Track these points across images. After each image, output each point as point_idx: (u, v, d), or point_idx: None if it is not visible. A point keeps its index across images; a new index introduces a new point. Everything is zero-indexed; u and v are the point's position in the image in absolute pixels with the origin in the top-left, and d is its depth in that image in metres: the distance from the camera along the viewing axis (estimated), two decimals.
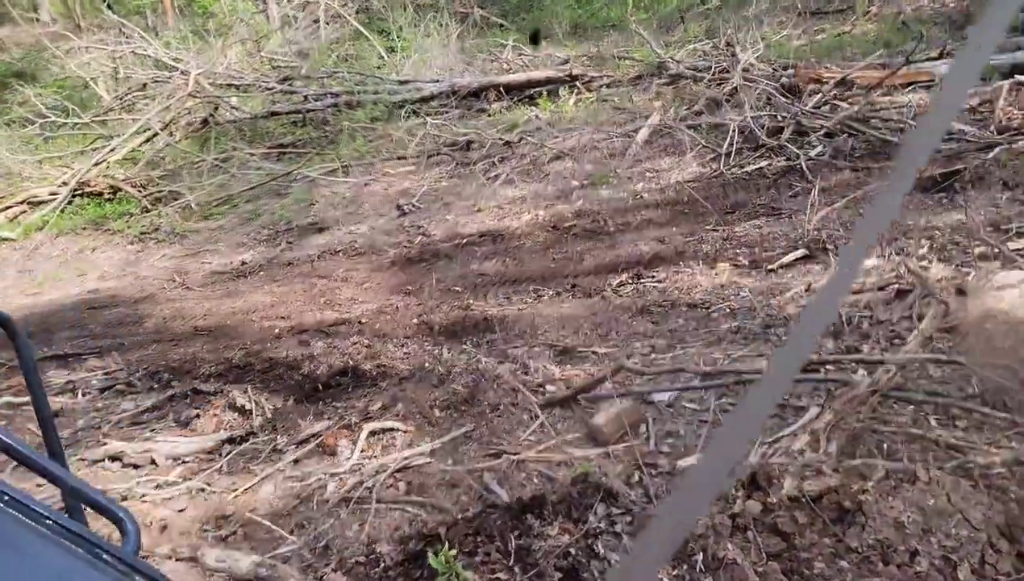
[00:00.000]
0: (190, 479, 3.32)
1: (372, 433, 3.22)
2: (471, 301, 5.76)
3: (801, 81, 8.06)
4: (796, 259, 5.02)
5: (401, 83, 12.23)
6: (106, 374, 5.57)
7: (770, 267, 4.97)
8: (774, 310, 4.15)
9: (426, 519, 2.59)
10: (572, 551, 2.34)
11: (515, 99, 11.44)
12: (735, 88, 8.41)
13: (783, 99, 7.67)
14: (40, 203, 10.65)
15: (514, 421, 3.23)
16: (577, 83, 11.45)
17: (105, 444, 3.89)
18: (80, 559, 0.78)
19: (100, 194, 10.78)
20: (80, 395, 5.18)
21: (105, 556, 0.79)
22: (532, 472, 2.82)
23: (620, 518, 2.49)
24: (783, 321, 3.97)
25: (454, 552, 2.27)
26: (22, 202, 10.65)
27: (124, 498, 3.24)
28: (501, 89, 11.27)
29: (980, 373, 2.94)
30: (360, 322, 5.71)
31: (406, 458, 3.01)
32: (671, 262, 5.59)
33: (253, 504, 2.98)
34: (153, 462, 3.58)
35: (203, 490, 3.20)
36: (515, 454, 2.89)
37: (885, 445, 2.65)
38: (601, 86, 11.41)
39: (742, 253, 5.42)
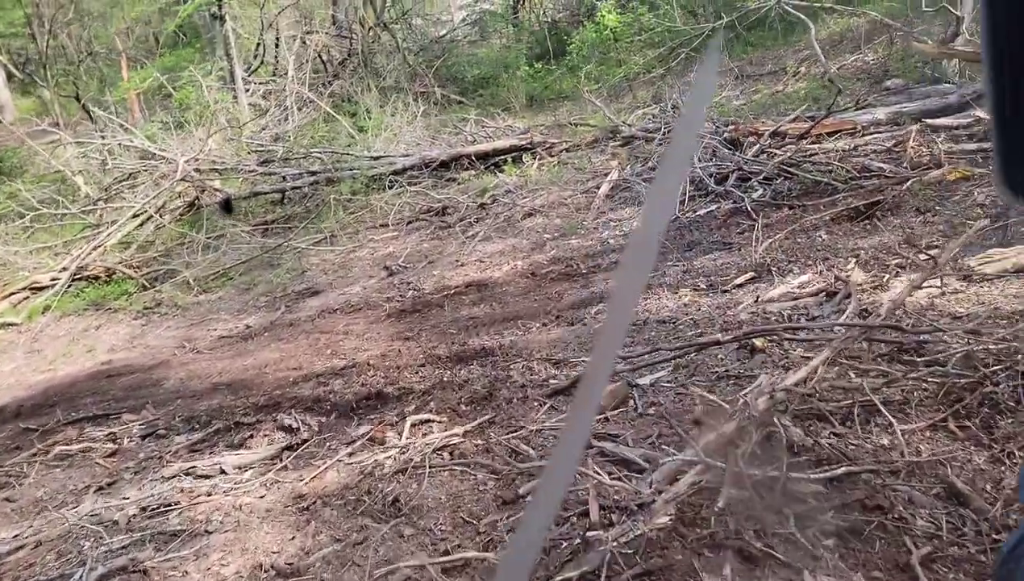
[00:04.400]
0: (261, 477, 4.01)
1: (413, 424, 3.96)
2: (467, 339, 6.53)
3: (740, 135, 9.10)
4: (746, 280, 5.90)
5: (374, 158, 13.15)
6: (143, 424, 6.19)
7: (724, 288, 5.84)
8: (729, 317, 5.00)
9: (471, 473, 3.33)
10: None
11: (482, 167, 12.43)
12: None
13: (726, 150, 8.70)
14: (41, 289, 11.25)
15: (527, 408, 4.00)
16: (539, 149, 12.47)
17: (173, 464, 4.54)
18: None
19: (97, 278, 11.43)
20: (126, 441, 5.79)
21: None
22: (549, 435, 3.58)
23: None
24: (737, 325, 4.81)
25: None
26: (24, 289, 11.24)
27: (209, 494, 3.91)
28: (472, 157, 12.23)
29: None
30: (369, 364, 6.41)
31: (444, 439, 3.76)
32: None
33: (323, 485, 3.68)
34: (223, 471, 4.24)
35: (276, 482, 3.88)
36: (533, 427, 3.65)
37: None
38: (561, 151, 12.43)
39: (700, 280, 6.28)
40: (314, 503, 3.50)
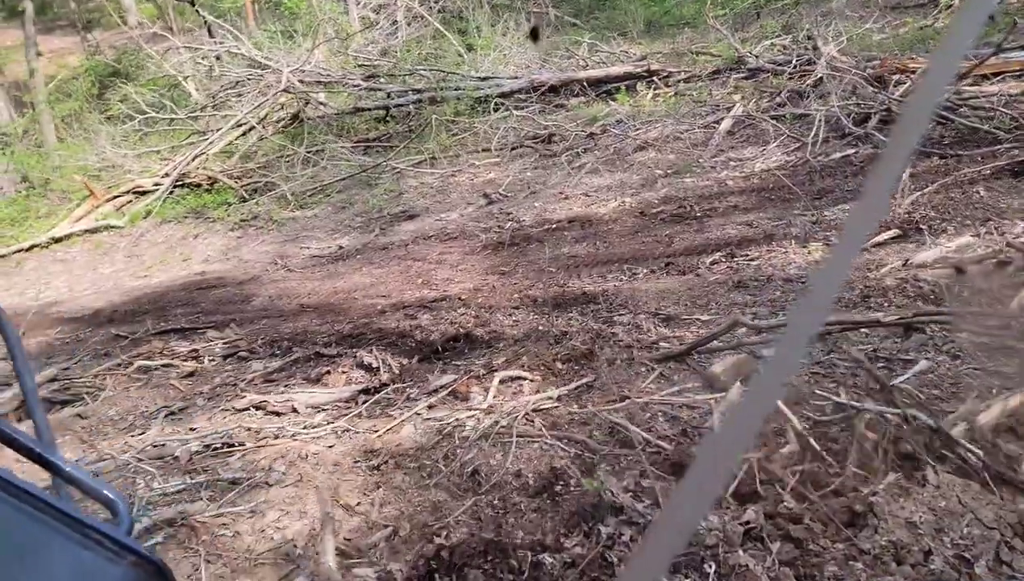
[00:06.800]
0: (333, 423, 3.67)
1: (502, 381, 3.52)
2: (566, 280, 6.03)
3: (887, 72, 8.12)
4: (889, 238, 5.16)
5: (481, 79, 12.55)
6: (226, 343, 5.99)
7: (863, 246, 5.12)
8: (871, 282, 4.32)
9: (564, 449, 2.87)
10: None
11: (594, 94, 11.68)
12: (819, 79, 8.52)
13: (870, 88, 7.75)
14: (144, 193, 11.30)
15: (632, 373, 3.49)
16: (655, 78, 11.61)
17: (245, 396, 4.26)
18: (70, 540, 0.77)
19: (199, 185, 11.39)
20: (207, 360, 5.59)
21: (97, 536, 0.78)
22: (656, 412, 3.08)
23: None
24: (881, 291, 4.14)
25: None
26: (127, 192, 11.31)
27: (276, 437, 3.59)
28: (583, 83, 11.51)
29: None
30: (460, 298, 6.00)
31: (535, 402, 3.30)
32: (762, 243, 5.77)
33: (398, 440, 3.30)
34: (295, 410, 3.92)
35: (348, 430, 3.53)
36: (639, 399, 3.15)
37: None
38: (679, 81, 11.55)
39: (833, 234, 5.57)
40: (385, 462, 3.12)
